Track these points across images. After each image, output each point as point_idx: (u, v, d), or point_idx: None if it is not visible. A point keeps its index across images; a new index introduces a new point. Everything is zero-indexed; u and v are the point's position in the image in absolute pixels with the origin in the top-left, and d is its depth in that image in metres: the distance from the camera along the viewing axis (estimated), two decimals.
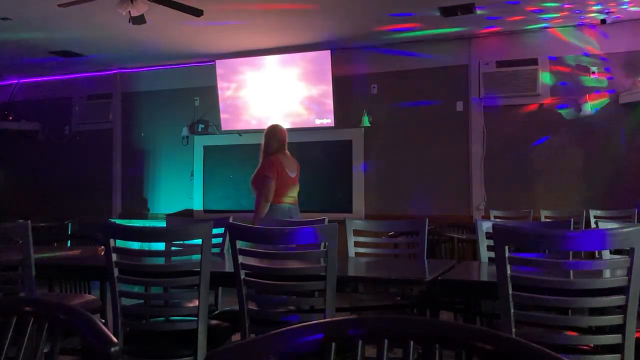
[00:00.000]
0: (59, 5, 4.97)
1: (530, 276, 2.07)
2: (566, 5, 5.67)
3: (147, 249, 3.25)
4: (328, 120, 7.08)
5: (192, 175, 7.86)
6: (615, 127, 6.21)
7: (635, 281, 1.93)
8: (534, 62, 6.44)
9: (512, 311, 2.02)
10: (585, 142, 6.32)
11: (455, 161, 6.76)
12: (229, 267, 2.65)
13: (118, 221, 7.36)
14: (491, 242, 2.62)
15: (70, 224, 6.89)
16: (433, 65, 6.87)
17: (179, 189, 7.93)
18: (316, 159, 7.23)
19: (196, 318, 2.43)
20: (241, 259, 2.40)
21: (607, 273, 2.41)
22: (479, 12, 5.80)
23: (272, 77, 7.33)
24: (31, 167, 8.76)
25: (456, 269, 2.76)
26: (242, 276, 2.39)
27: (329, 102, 7.03)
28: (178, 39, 6.77)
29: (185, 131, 7.84)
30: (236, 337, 2.85)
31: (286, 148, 4.93)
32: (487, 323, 2.88)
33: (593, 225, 4.21)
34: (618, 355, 1.95)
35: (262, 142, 4.94)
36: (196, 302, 2.44)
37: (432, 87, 6.88)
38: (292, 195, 4.86)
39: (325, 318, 2.27)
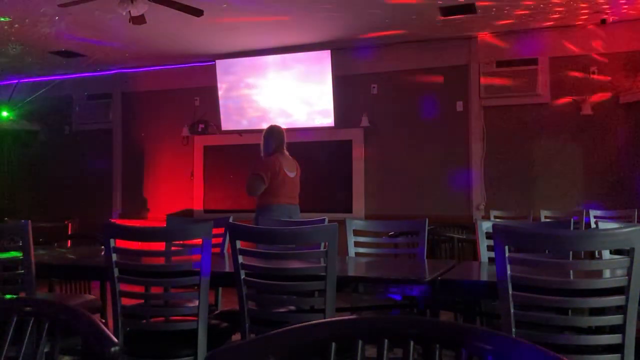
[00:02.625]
0: (59, 5, 4.97)
1: (530, 276, 2.07)
2: (566, 5, 5.67)
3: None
4: (328, 120, 7.09)
5: (192, 175, 7.86)
6: (615, 127, 6.21)
7: (635, 281, 1.93)
8: (534, 62, 6.45)
9: (512, 311, 2.02)
10: (585, 142, 6.32)
11: (455, 161, 6.76)
12: (229, 267, 2.65)
13: (118, 221, 7.38)
14: (491, 242, 2.62)
15: (70, 224, 6.91)
16: (433, 65, 6.88)
17: (179, 189, 7.93)
18: (316, 159, 7.23)
19: (196, 318, 2.43)
20: (241, 259, 2.40)
21: (607, 273, 2.41)
22: (479, 12, 5.80)
23: (272, 76, 7.33)
24: (31, 167, 8.76)
25: (456, 269, 2.76)
26: (242, 276, 2.39)
27: (329, 102, 7.03)
28: (178, 39, 6.77)
29: (185, 131, 7.84)
30: (236, 337, 2.85)
31: (285, 148, 4.92)
32: (487, 323, 2.88)
33: (593, 225, 4.21)
34: (618, 355, 1.95)
35: (261, 142, 4.94)
36: (196, 302, 2.44)
37: (432, 87, 6.89)
38: (292, 195, 4.87)
39: (325, 318, 2.27)
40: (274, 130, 4.95)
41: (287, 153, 4.92)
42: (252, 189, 4.75)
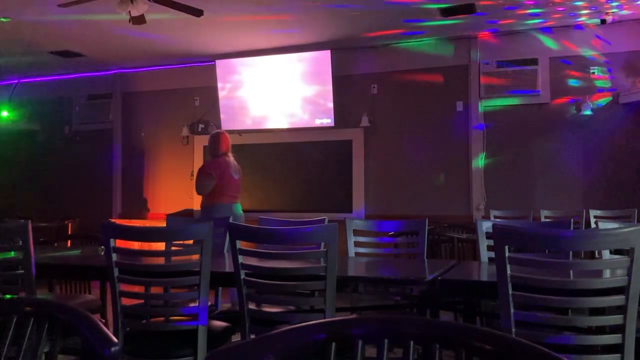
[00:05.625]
0: (59, 5, 4.97)
1: (530, 276, 2.07)
2: (566, 5, 5.67)
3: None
4: (328, 120, 7.09)
5: (192, 175, 7.86)
6: (615, 127, 6.21)
7: (635, 281, 1.93)
8: (534, 62, 6.45)
9: (512, 311, 2.02)
10: (585, 142, 6.31)
11: (455, 161, 6.76)
12: (229, 267, 2.65)
13: (118, 221, 7.36)
14: (491, 242, 2.62)
15: (70, 224, 6.91)
16: (433, 65, 6.87)
17: (179, 189, 7.93)
18: (316, 159, 7.23)
19: (196, 318, 2.43)
20: (241, 259, 2.40)
21: (607, 273, 2.41)
22: (479, 12, 5.80)
23: (272, 77, 7.33)
24: (31, 167, 8.76)
25: (456, 269, 2.76)
26: (242, 276, 2.39)
27: (329, 102, 7.03)
28: (178, 39, 6.77)
29: (185, 131, 7.84)
30: (236, 337, 2.85)
31: (230, 152, 5.33)
32: (487, 323, 2.88)
33: (593, 225, 4.21)
34: (618, 355, 1.95)
35: (209, 145, 5.37)
36: (196, 302, 2.44)
37: (432, 87, 6.89)
38: (235, 195, 5.27)
39: (325, 318, 2.27)
40: (222, 136, 5.37)
41: (232, 157, 5.33)
42: (203, 187, 5.16)
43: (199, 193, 5.27)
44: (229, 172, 5.19)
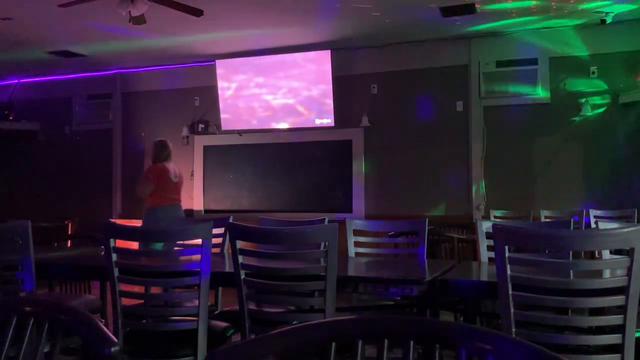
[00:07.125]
0: (59, 5, 4.97)
1: (530, 276, 2.07)
2: (566, 5, 5.66)
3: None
4: (328, 120, 7.09)
5: (192, 175, 7.86)
6: (615, 127, 6.21)
7: (635, 281, 1.93)
8: (534, 62, 6.45)
9: (512, 311, 2.02)
10: (585, 142, 6.32)
11: (455, 161, 6.76)
12: (229, 267, 2.65)
13: (118, 221, 7.36)
14: (491, 242, 2.62)
15: (70, 224, 6.91)
16: (433, 65, 6.87)
17: None
18: (316, 159, 7.23)
19: (196, 318, 2.43)
20: (241, 259, 2.40)
21: (607, 273, 2.41)
22: (479, 12, 5.79)
23: (272, 77, 7.33)
24: (31, 167, 8.75)
25: (456, 269, 2.76)
26: (242, 276, 2.39)
27: (329, 102, 7.03)
28: (178, 39, 6.77)
29: (185, 131, 7.84)
30: (236, 337, 2.85)
31: (171, 158, 5.87)
32: (487, 323, 2.88)
33: (593, 225, 4.21)
34: (618, 355, 1.95)
35: (153, 151, 5.90)
36: (196, 302, 2.44)
37: (432, 87, 6.88)
38: (174, 197, 5.81)
39: (325, 318, 2.27)
40: (164, 143, 5.88)
41: (172, 163, 5.85)
42: (141, 190, 5.78)
43: (139, 196, 5.91)
44: (166, 177, 5.70)
